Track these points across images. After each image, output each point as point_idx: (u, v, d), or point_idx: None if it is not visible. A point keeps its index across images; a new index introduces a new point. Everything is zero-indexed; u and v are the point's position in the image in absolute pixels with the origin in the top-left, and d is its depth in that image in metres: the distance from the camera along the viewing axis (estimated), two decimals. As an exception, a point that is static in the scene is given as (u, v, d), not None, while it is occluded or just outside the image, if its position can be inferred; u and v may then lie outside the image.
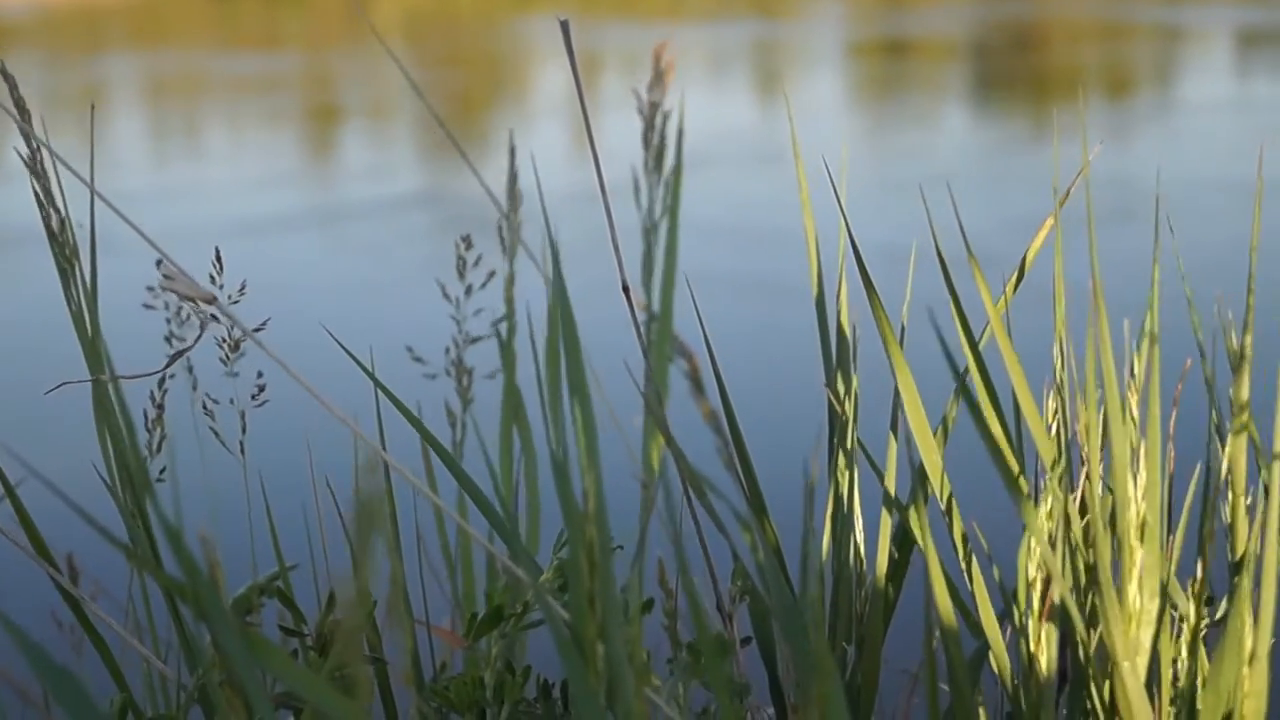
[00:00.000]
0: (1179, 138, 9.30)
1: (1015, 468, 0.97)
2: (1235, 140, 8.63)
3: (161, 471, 1.25)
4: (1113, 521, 0.89)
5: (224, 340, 1.17)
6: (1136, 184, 7.06)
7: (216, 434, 1.24)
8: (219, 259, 1.17)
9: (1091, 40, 14.71)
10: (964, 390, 1.00)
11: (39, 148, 1.19)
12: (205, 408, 1.22)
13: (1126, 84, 11.86)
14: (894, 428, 1.19)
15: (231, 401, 1.24)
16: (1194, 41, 14.59)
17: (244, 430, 1.26)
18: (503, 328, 1.24)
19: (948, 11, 16.99)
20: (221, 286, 1.15)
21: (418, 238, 6.73)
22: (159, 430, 1.23)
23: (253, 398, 1.22)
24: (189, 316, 1.15)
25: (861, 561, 1.21)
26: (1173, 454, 1.16)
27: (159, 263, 1.19)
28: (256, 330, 1.08)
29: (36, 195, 1.18)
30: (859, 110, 11.15)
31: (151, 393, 1.22)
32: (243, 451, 1.28)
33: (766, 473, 1.27)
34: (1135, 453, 0.90)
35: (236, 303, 1.12)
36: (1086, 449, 0.92)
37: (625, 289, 1.17)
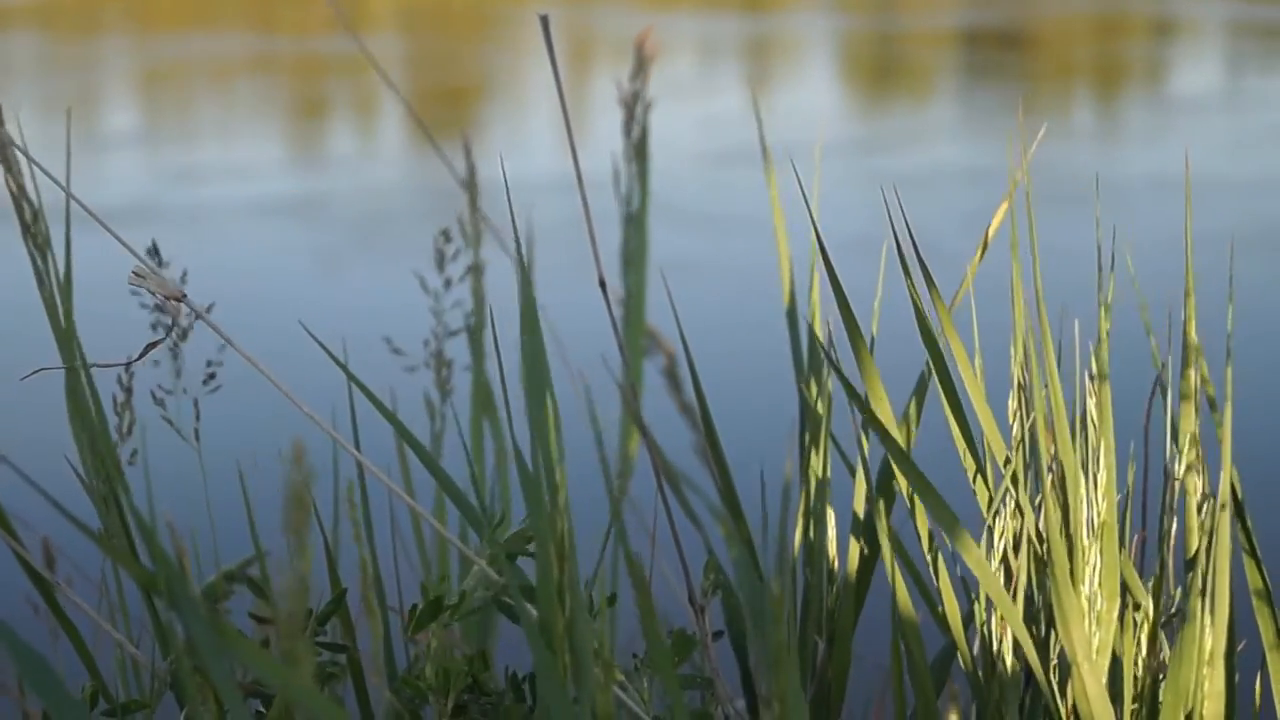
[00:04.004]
0: (1167, 133, 9.32)
1: (974, 466, 0.98)
2: (1225, 136, 8.65)
3: (133, 455, 1.25)
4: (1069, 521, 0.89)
5: (172, 325, 1.17)
6: (1119, 177, 7.07)
7: (170, 422, 1.25)
8: (156, 250, 1.18)
9: (1088, 35, 14.72)
10: (920, 395, 1.00)
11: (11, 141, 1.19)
12: (155, 398, 1.23)
13: (1117, 79, 11.88)
14: (864, 427, 1.19)
15: (186, 389, 1.25)
16: (1185, 36, 14.60)
17: (197, 417, 1.27)
18: (474, 322, 1.24)
19: (938, 8, 16.99)
20: (180, 272, 1.15)
21: (409, 222, 6.73)
22: (128, 415, 1.23)
23: (204, 382, 1.23)
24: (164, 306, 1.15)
25: (831, 557, 1.22)
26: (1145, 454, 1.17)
27: (153, 246, 1.20)
28: (206, 311, 1.09)
29: (9, 186, 1.18)
30: (847, 103, 11.15)
31: (119, 377, 1.22)
32: (197, 438, 1.29)
33: (738, 465, 1.27)
34: (1095, 452, 0.91)
35: (184, 285, 1.12)
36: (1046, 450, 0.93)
37: (602, 283, 1.18)
